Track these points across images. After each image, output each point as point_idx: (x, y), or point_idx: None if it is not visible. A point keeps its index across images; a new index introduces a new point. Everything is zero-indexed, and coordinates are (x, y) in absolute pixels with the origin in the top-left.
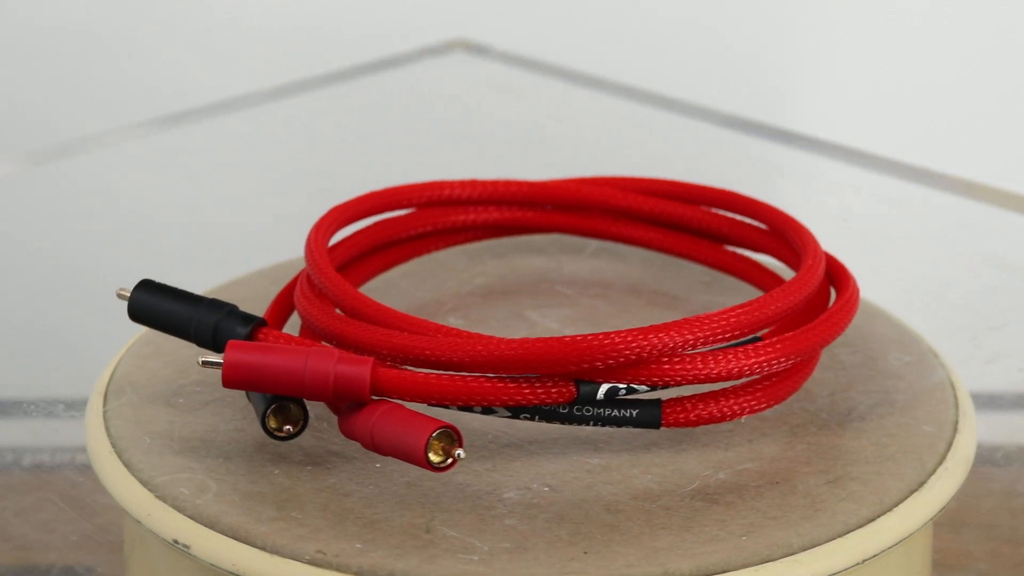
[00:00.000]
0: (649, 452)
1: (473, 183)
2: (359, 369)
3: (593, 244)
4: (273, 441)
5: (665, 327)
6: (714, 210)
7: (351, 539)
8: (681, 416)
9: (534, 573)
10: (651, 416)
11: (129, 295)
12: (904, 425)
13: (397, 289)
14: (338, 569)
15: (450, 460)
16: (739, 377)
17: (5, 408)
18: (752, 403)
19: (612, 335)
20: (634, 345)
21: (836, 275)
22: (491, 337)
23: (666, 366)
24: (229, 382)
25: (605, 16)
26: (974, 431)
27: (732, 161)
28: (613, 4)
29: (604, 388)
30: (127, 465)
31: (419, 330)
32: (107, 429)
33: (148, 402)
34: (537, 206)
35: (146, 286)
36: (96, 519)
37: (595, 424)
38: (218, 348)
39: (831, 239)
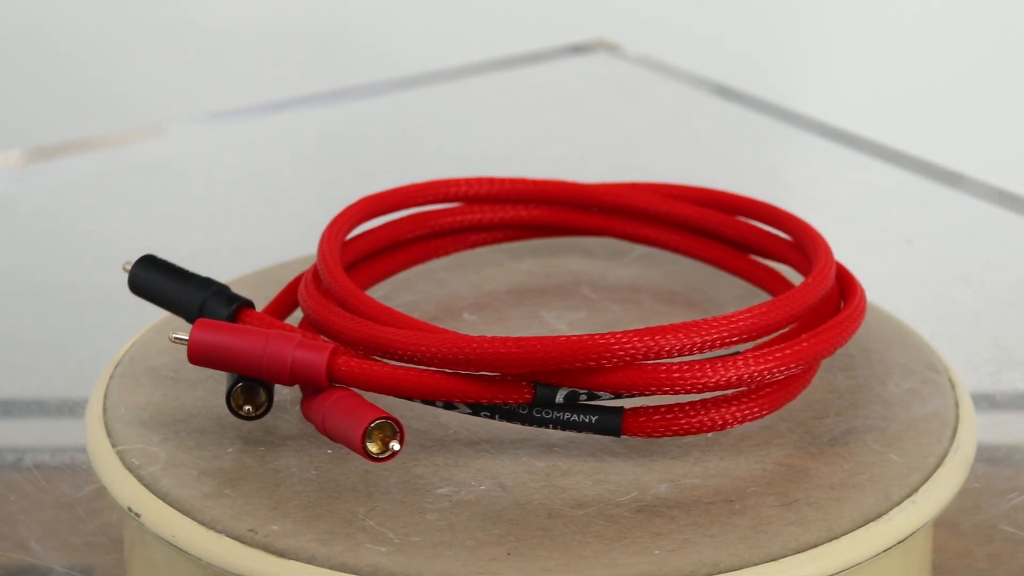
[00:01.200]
0: (609, 460)
1: (523, 181)
2: (316, 355)
3: (640, 250)
4: (237, 420)
5: (628, 334)
6: (751, 222)
7: (285, 521)
8: (642, 426)
9: (448, 569)
10: (611, 424)
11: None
12: (881, 454)
13: (430, 280)
14: (263, 548)
15: (388, 452)
16: (701, 391)
17: (5, 408)
18: (719, 419)
19: (569, 339)
20: (589, 350)
21: (846, 287)
22: (455, 333)
23: (626, 374)
24: (194, 359)
25: (752, 30)
26: (974, 432)
27: (840, 178)
28: (767, 22)
29: (563, 392)
30: (127, 465)
31: (393, 323)
32: (107, 429)
33: (148, 401)
34: (585, 208)
35: (147, 261)
36: (96, 519)
37: (554, 427)
38: None
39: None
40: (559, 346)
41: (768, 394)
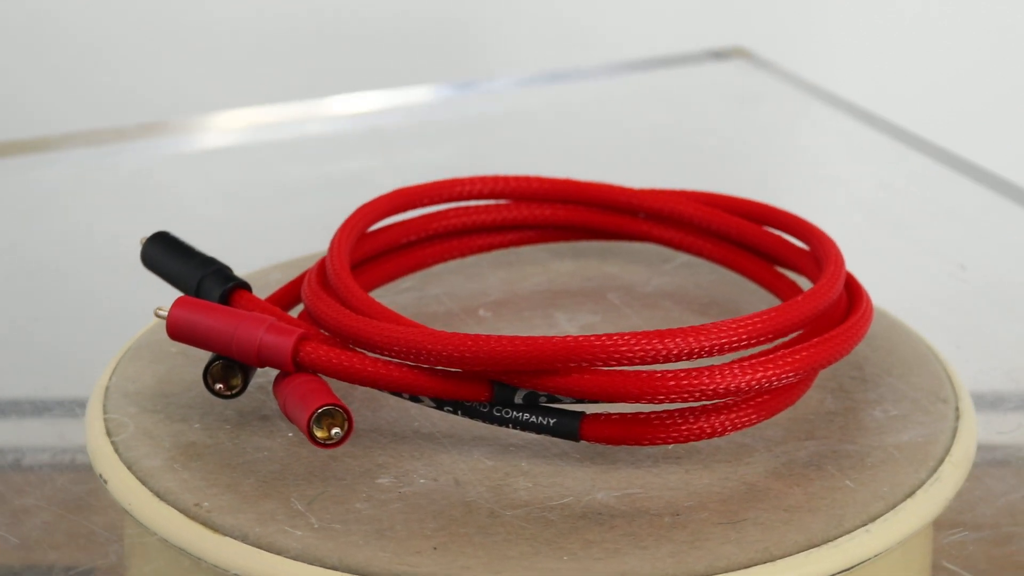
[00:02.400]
0: (566, 464)
1: (570, 182)
2: (283, 340)
3: (683, 258)
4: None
5: (588, 339)
6: (779, 233)
7: (233, 498)
8: (600, 432)
9: (371, 558)
10: (568, 428)
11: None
12: (847, 481)
13: (464, 275)
14: (203, 523)
15: (332, 438)
16: (660, 401)
17: (5, 408)
18: (685, 431)
19: (525, 340)
20: (543, 353)
21: (853, 296)
22: (420, 329)
23: (581, 378)
24: (172, 334)
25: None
26: (974, 431)
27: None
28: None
29: (522, 393)
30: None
31: (373, 314)
32: (107, 429)
33: (148, 401)
34: (631, 213)
35: (159, 237)
36: (96, 519)
37: (514, 427)
38: None
39: None
40: (513, 346)
41: (741, 410)
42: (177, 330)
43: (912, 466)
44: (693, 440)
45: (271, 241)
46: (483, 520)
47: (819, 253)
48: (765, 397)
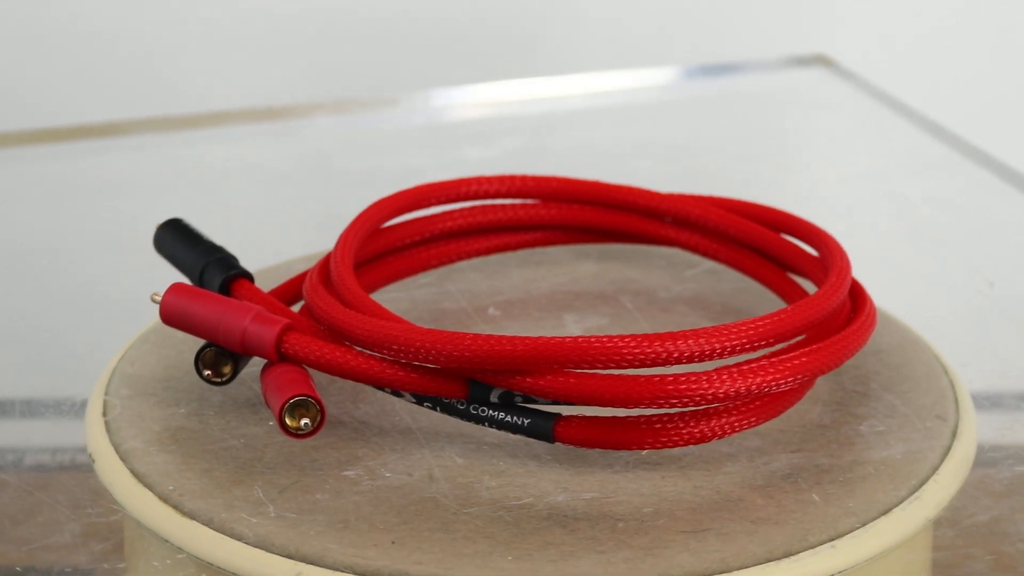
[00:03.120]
0: (540, 465)
1: (596, 184)
2: (267, 329)
3: (708, 264)
4: (209, 387)
5: (562, 340)
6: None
7: (204, 483)
8: (574, 435)
9: (326, 548)
10: (542, 428)
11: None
12: (820, 496)
13: (485, 272)
14: (174, 507)
15: (301, 429)
16: (629, 405)
17: (5, 408)
18: (656, 439)
19: (499, 339)
20: (515, 352)
21: (857, 305)
22: (404, 324)
23: (553, 380)
24: (165, 319)
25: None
26: (970, 452)
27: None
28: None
29: (497, 392)
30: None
31: (365, 310)
32: (107, 429)
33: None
34: (658, 217)
35: (172, 224)
36: (96, 519)
37: (489, 426)
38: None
39: None
40: (487, 345)
41: (722, 419)
42: (169, 316)
43: (892, 484)
44: (669, 447)
45: None
46: (447, 517)
47: (827, 261)
48: (751, 406)
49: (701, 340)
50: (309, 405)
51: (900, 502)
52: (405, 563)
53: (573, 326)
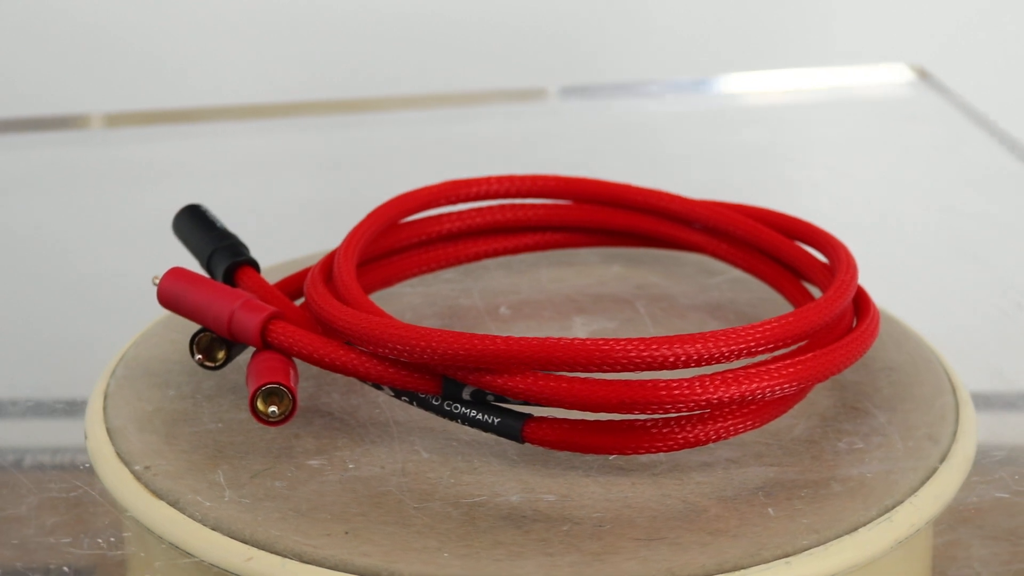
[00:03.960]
0: (508, 463)
1: (626, 187)
2: (253, 316)
3: (735, 273)
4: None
5: (528, 341)
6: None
7: (180, 464)
8: (543, 436)
9: (279, 535)
10: (512, 428)
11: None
12: (798, 513)
13: (510, 270)
14: (145, 485)
15: (270, 417)
16: (593, 409)
17: (5, 408)
18: (625, 444)
19: (469, 336)
20: (483, 351)
21: (861, 308)
22: (381, 318)
23: (521, 380)
24: (162, 302)
25: None
26: (969, 455)
27: None
28: None
29: (469, 389)
30: (127, 465)
31: (355, 304)
32: (107, 429)
33: (148, 401)
34: (686, 223)
35: (190, 209)
36: (96, 519)
37: (462, 423)
38: (210, 274)
39: None
40: (455, 341)
41: (696, 428)
42: (166, 299)
43: (863, 504)
44: (639, 454)
45: None
46: (406, 511)
47: (834, 270)
48: (727, 416)
49: (675, 346)
50: (282, 394)
51: (868, 522)
52: (353, 554)
53: (580, 329)
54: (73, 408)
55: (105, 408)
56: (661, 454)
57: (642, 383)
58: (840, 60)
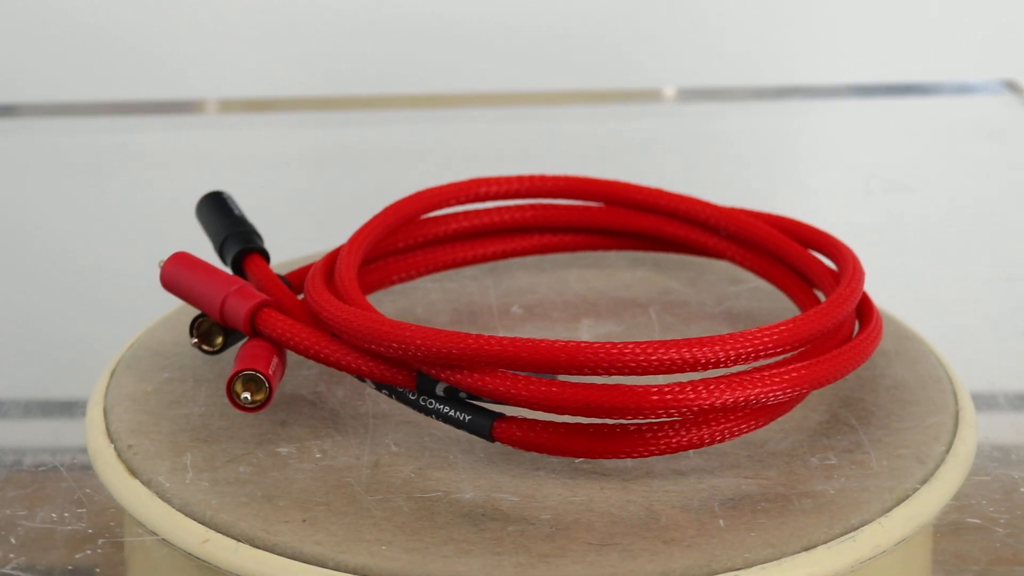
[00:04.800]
0: (484, 462)
1: (659, 192)
2: (243, 303)
3: (758, 283)
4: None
5: (496, 340)
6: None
7: (162, 445)
8: (512, 435)
9: (236, 521)
10: (481, 426)
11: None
12: (758, 527)
13: (534, 269)
14: (125, 463)
15: (244, 403)
16: (554, 411)
17: (5, 408)
18: (594, 448)
19: (438, 332)
20: (451, 346)
21: (864, 314)
22: (364, 312)
23: (488, 379)
24: (165, 286)
25: None
26: (974, 431)
27: None
28: None
29: (442, 385)
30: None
31: (347, 298)
32: (107, 429)
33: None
34: (712, 230)
35: (212, 197)
36: (96, 519)
37: (436, 418)
38: (222, 260)
39: None
40: (425, 337)
41: (666, 437)
42: (167, 282)
43: (828, 521)
44: (607, 458)
45: None
46: (368, 503)
47: (840, 278)
48: (699, 425)
49: (647, 352)
50: (260, 381)
51: (828, 540)
52: (305, 542)
53: (584, 331)
54: (73, 408)
55: (108, 387)
56: (636, 460)
57: (608, 387)
58: (929, 73)
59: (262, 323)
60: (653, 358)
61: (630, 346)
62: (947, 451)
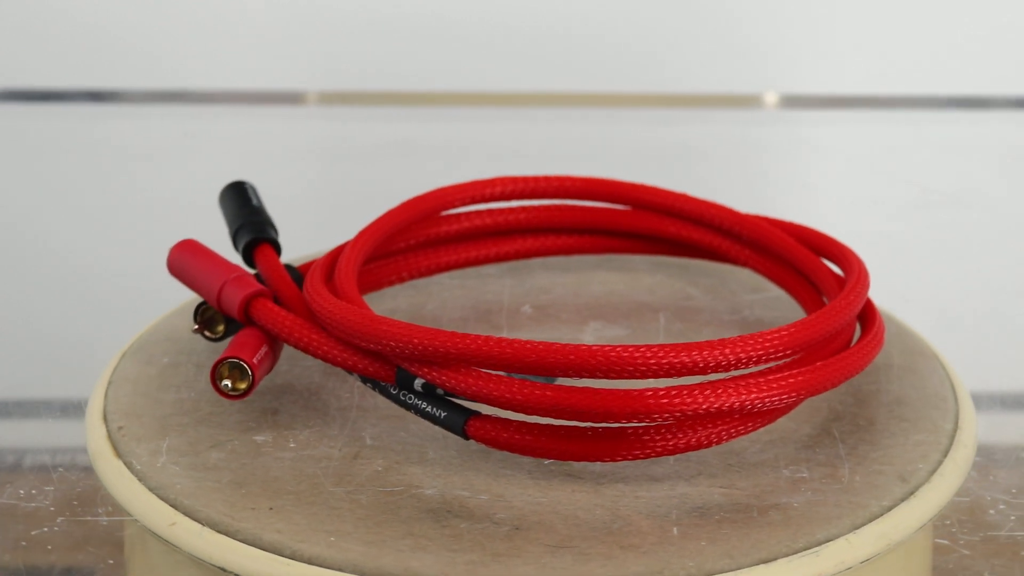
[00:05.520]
0: (458, 459)
1: (684, 197)
2: (238, 292)
3: (776, 292)
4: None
5: (465, 337)
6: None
7: (149, 428)
8: (485, 434)
9: (204, 505)
10: (455, 423)
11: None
12: (720, 538)
13: (554, 270)
14: (112, 444)
15: (225, 389)
16: (522, 411)
17: (5, 408)
18: (564, 450)
19: (410, 327)
20: (422, 343)
21: (866, 320)
22: (353, 308)
23: (458, 376)
24: (170, 270)
25: None
26: (974, 432)
27: None
28: None
29: (420, 381)
30: (127, 466)
31: (340, 290)
32: (107, 429)
33: (147, 401)
34: (734, 236)
35: (234, 187)
36: (96, 520)
37: (415, 413)
38: (235, 248)
39: None
40: (399, 331)
41: (638, 443)
42: (173, 267)
43: (792, 535)
44: (577, 460)
45: None
46: (338, 494)
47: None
48: (671, 433)
49: (614, 355)
50: (244, 370)
51: (789, 554)
52: (266, 530)
53: (588, 334)
54: (73, 408)
55: (115, 370)
56: (612, 464)
57: (575, 390)
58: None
59: (255, 312)
60: (619, 362)
61: (591, 349)
62: (934, 471)
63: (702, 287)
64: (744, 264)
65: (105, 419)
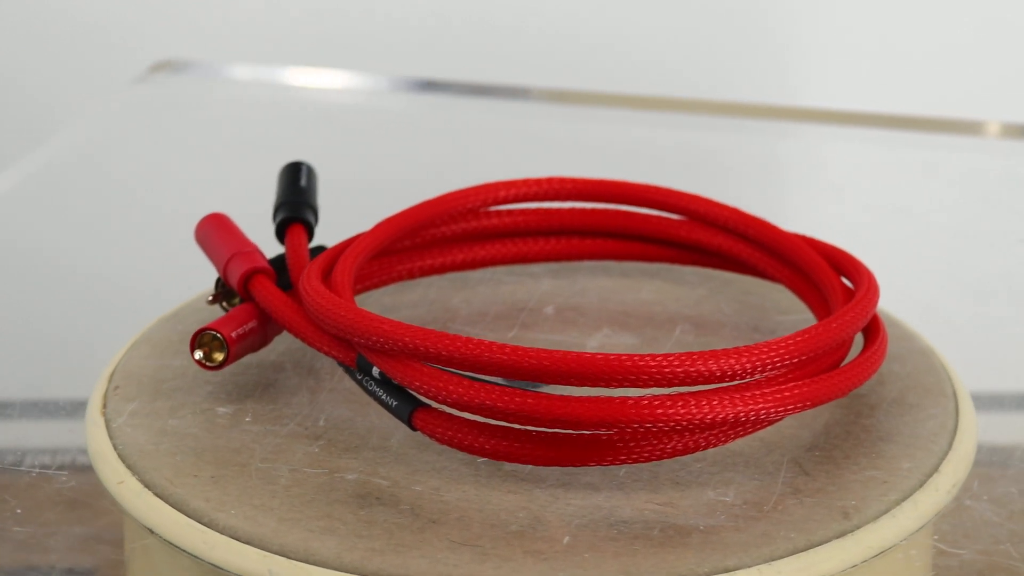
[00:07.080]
0: (431, 455)
1: (720, 206)
2: (241, 266)
3: (807, 315)
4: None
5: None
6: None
7: (139, 403)
8: (429, 427)
9: (155, 468)
10: (402, 412)
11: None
12: (688, 542)
13: (603, 275)
14: (104, 428)
15: (199, 359)
16: (460, 407)
17: (5, 408)
18: (507, 450)
19: (364, 314)
20: (372, 330)
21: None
22: (320, 291)
23: (400, 366)
24: (197, 240)
25: None
26: (974, 432)
27: None
28: None
29: (377, 368)
30: (128, 466)
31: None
32: (107, 429)
33: (148, 401)
34: (768, 251)
35: (294, 166)
36: (97, 520)
37: (373, 399)
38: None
39: None
40: (356, 317)
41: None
42: (199, 237)
43: (697, 558)
44: (511, 462)
45: None
46: (278, 471)
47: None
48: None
49: (543, 358)
50: (221, 342)
51: (761, 562)
52: (196, 497)
53: (593, 340)
54: (73, 408)
55: (118, 362)
56: (565, 468)
57: (512, 392)
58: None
59: (252, 287)
60: (556, 367)
61: (535, 351)
62: (885, 512)
63: (737, 303)
64: (783, 283)
65: (106, 404)
